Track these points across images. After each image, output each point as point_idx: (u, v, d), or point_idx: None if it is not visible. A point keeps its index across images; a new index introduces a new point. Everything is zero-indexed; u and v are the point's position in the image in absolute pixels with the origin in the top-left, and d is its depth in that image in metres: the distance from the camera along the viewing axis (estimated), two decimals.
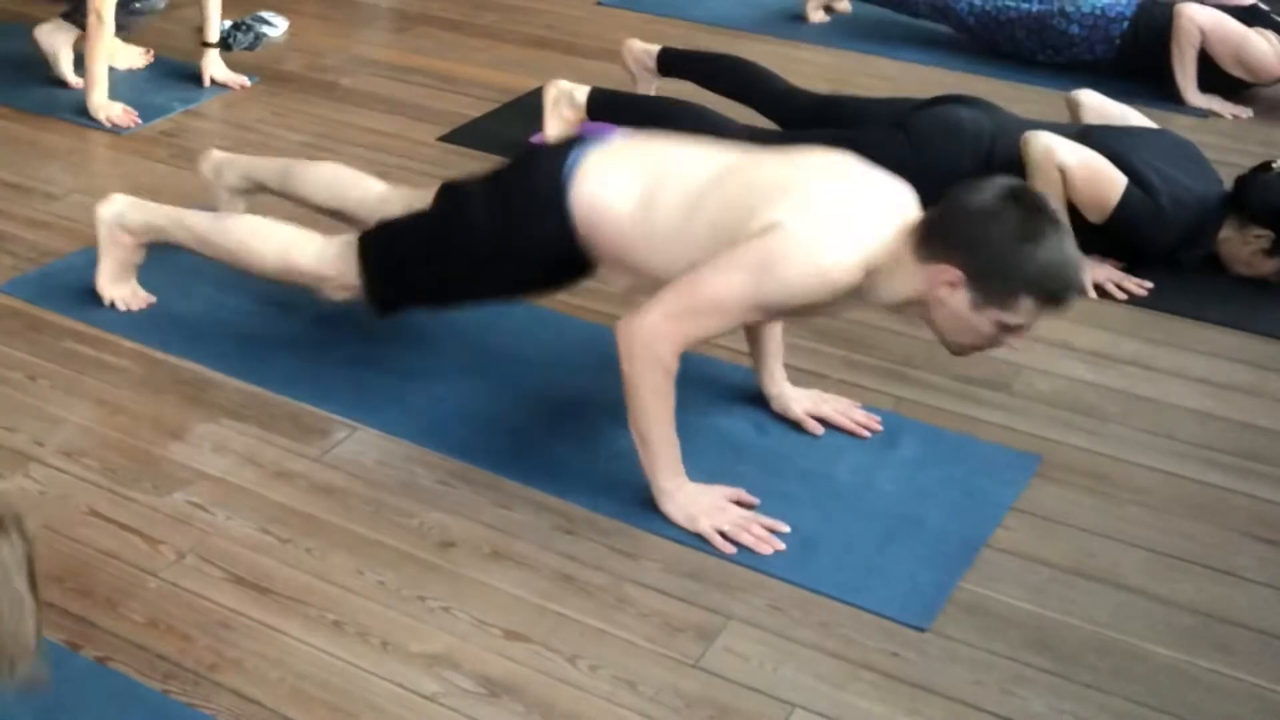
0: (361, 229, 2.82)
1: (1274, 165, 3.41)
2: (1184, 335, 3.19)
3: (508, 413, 2.77)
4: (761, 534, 2.41)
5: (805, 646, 2.21)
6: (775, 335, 2.76)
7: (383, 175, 3.72)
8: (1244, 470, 2.70)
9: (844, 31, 5.15)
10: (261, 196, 3.20)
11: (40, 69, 4.31)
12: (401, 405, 2.77)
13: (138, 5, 4.17)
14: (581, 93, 3.83)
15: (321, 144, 3.99)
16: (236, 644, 2.17)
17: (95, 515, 2.45)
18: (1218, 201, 3.42)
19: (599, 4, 5.40)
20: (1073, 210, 3.33)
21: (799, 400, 2.76)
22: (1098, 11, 4.63)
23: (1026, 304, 2.27)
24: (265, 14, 4.91)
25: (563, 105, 3.84)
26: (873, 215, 2.37)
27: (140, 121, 4.06)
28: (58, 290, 3.13)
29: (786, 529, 2.44)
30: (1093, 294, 3.32)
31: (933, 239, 2.32)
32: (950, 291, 2.30)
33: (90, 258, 3.11)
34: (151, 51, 4.53)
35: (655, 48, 4.17)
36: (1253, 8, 4.59)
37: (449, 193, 2.73)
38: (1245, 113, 4.49)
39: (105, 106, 4.05)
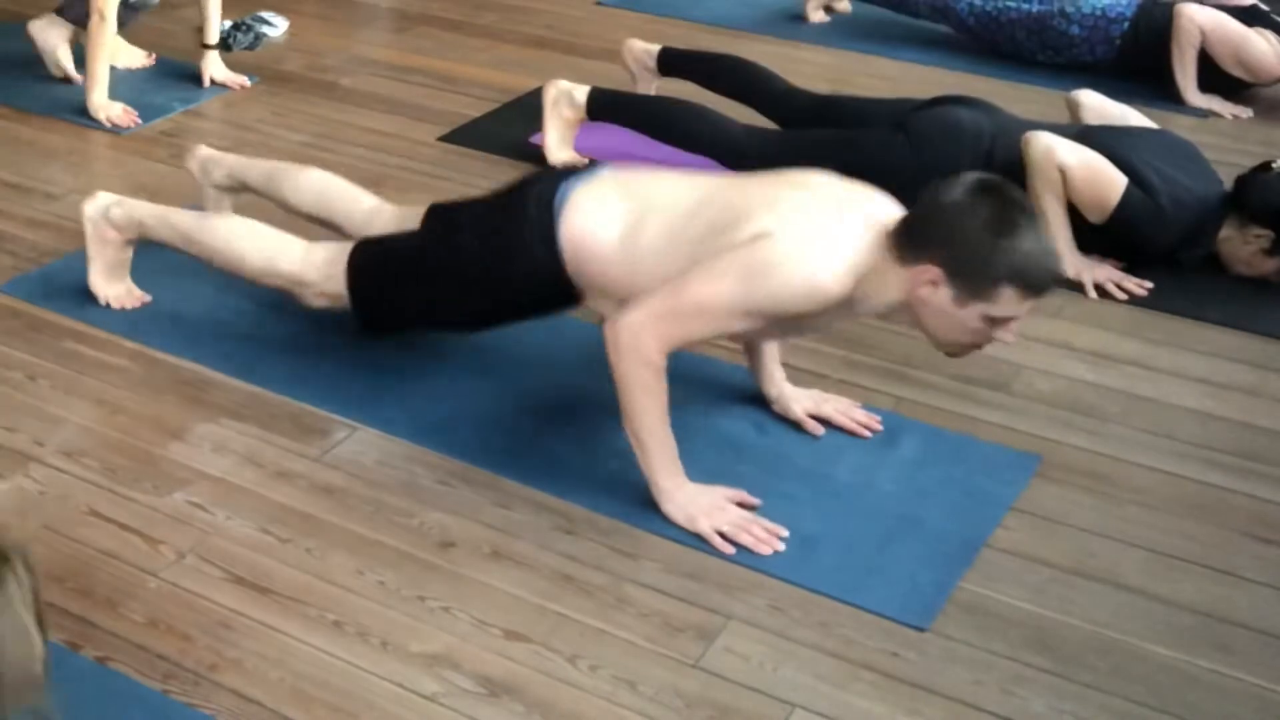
0: (347, 239, 2.83)
1: (1274, 165, 3.41)
2: (1184, 335, 3.19)
3: (508, 413, 2.77)
4: (761, 534, 2.41)
5: (805, 646, 2.21)
6: (772, 344, 2.76)
7: (383, 175, 3.75)
8: (1244, 470, 2.70)
9: (844, 31, 5.16)
10: (248, 196, 3.20)
11: (40, 68, 4.31)
12: (401, 405, 2.77)
13: (134, 1, 4.16)
14: (581, 93, 3.82)
15: (321, 144, 3.99)
16: (236, 644, 2.17)
17: (95, 515, 2.45)
18: (1218, 201, 3.42)
19: (599, 4, 5.39)
20: (1073, 210, 3.34)
21: (799, 400, 2.77)
22: (1098, 12, 4.63)
23: (1008, 293, 2.30)
24: (265, 14, 4.91)
25: (563, 105, 3.83)
26: (856, 226, 2.40)
27: (140, 121, 4.06)
28: (58, 290, 3.13)
29: (786, 533, 2.43)
30: (1093, 294, 3.32)
31: (910, 240, 2.35)
32: (932, 290, 2.33)
33: None
34: (153, 55, 4.52)
35: (655, 48, 4.17)
36: (1253, 8, 4.59)
37: (438, 216, 2.74)
38: (1245, 113, 4.49)
39: (105, 106, 4.04)
